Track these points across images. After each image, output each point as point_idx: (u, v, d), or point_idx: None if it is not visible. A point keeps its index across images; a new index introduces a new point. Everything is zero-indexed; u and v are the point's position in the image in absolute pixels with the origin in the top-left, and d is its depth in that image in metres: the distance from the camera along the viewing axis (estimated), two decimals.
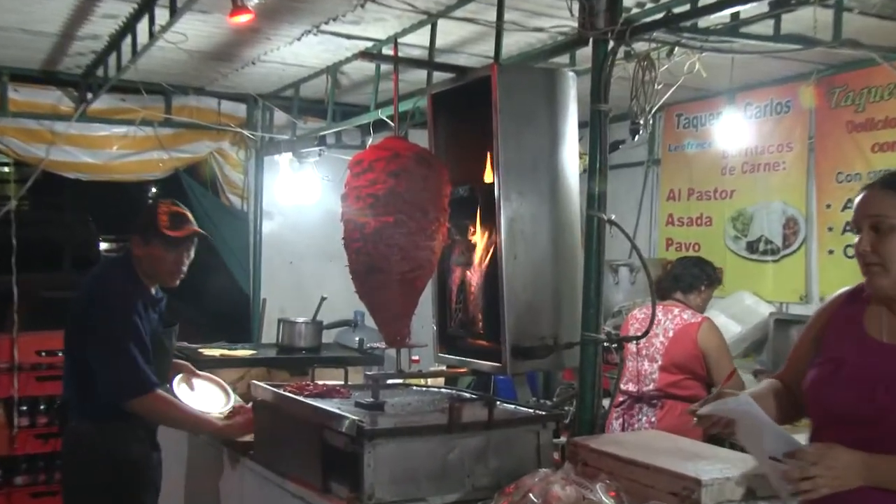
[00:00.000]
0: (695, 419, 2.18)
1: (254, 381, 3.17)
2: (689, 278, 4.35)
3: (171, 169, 6.57)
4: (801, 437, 2.07)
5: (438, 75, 3.69)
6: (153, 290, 3.36)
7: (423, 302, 2.96)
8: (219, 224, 6.58)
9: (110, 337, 3.13)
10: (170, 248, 3.26)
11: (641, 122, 3.02)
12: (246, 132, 6.68)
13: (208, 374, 3.70)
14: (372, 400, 2.76)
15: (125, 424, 3.23)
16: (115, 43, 4.95)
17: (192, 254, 3.35)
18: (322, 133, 5.93)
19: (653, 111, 3.04)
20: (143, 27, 4.28)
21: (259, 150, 6.80)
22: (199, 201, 6.49)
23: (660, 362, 4.20)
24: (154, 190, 8.26)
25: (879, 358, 2.00)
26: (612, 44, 2.80)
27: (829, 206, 5.51)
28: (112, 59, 5.14)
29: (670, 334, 4.19)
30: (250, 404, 3.41)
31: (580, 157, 3.02)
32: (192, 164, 6.68)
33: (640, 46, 2.96)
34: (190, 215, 3.39)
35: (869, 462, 1.88)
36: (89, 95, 5.92)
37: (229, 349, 4.52)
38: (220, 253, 6.70)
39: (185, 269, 3.33)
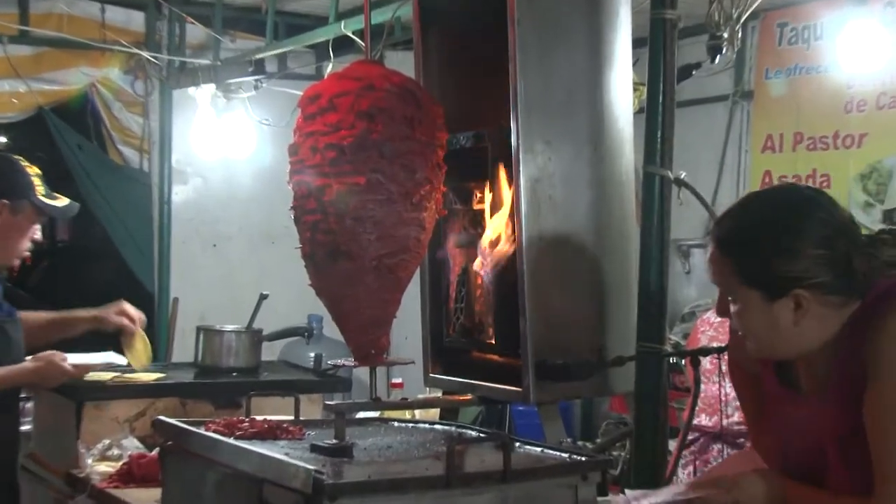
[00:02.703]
0: None
1: (160, 418, 3.21)
2: None
3: (32, 107, 6.55)
4: None
5: None
6: None
7: (409, 300, 3.01)
8: (105, 189, 6.58)
9: None
10: (37, 220, 3.76)
11: (725, 35, 3.05)
12: (145, 54, 6.68)
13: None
14: (335, 442, 2.81)
15: None
16: None
17: None
18: (259, 56, 5.95)
19: (742, 19, 3.08)
20: None
21: (165, 81, 6.80)
22: (74, 155, 6.51)
23: None
24: (3, 139, 8.20)
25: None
26: None
27: None
28: None
29: None
30: (155, 451, 3.46)
31: (635, 90, 3.07)
32: (63, 101, 6.67)
33: None
34: None
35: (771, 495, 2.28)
36: None
37: (124, 371, 4.56)
38: (108, 231, 6.71)
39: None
